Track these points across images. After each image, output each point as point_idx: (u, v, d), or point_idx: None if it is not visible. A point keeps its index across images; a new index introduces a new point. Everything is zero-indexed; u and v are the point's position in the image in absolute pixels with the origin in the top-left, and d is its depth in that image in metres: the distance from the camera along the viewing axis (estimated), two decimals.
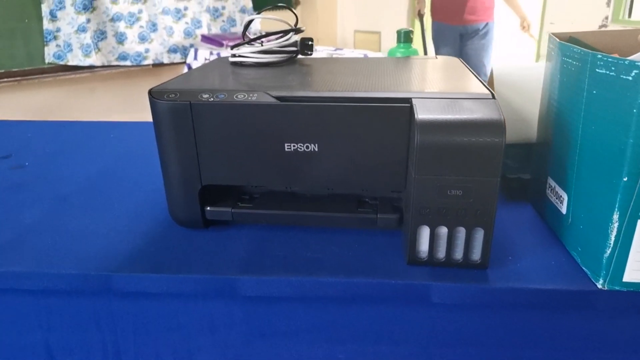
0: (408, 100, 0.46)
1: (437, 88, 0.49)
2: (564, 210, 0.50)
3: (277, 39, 0.64)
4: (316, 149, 0.48)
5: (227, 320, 0.50)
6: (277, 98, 0.48)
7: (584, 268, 0.47)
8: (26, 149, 0.82)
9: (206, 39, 2.68)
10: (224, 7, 2.94)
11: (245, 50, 0.63)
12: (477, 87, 0.49)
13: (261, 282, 0.47)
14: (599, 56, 0.42)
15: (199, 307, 0.50)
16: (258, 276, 0.47)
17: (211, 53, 2.50)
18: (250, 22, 0.65)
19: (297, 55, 0.65)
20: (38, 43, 2.42)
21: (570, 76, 0.47)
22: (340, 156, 0.48)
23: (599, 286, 0.44)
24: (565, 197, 0.49)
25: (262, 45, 0.64)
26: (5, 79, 2.35)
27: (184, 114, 0.48)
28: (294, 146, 0.48)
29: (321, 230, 0.54)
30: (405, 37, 0.75)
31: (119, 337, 0.52)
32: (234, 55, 0.65)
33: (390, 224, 0.52)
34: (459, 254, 0.47)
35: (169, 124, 0.49)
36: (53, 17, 2.42)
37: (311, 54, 0.64)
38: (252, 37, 0.65)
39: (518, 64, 0.63)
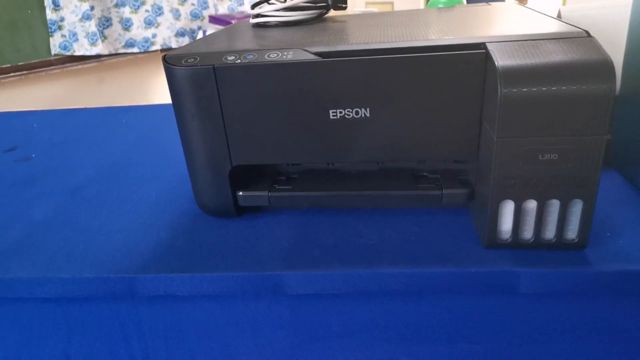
0: (480, 46, 0.38)
1: (512, 31, 0.40)
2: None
3: None
4: (367, 114, 0.40)
5: (271, 322, 0.43)
6: (318, 54, 0.39)
7: None
8: (32, 140, 0.75)
9: (214, 19, 2.59)
10: None
11: (268, 8, 0.54)
12: (562, 26, 0.40)
13: (310, 278, 0.39)
14: None
15: (238, 309, 0.42)
16: (306, 270, 0.39)
17: None
18: None
19: (328, 10, 0.57)
20: (42, 34, 2.35)
21: None
22: (397, 121, 0.40)
23: None
24: None
25: (286, 2, 0.55)
26: (12, 74, 2.29)
27: (206, 80, 0.40)
28: (340, 112, 0.40)
29: (371, 213, 0.46)
30: None
31: (148, 346, 0.45)
32: (256, 16, 0.56)
33: (458, 201, 0.43)
34: (550, 233, 0.39)
35: (189, 94, 0.41)
36: (56, 6, 2.34)
37: (345, 7, 0.56)
38: None
39: (591, 3, 0.53)
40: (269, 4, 0.55)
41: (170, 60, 0.41)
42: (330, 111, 0.40)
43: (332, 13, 0.58)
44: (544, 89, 0.34)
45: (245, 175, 0.46)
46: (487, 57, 0.37)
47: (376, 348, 0.43)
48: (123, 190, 0.55)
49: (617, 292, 0.38)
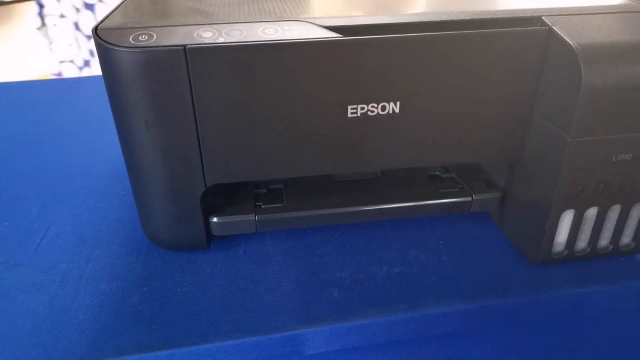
0: (537, 21, 0.30)
1: (559, 2, 0.33)
2: None
3: None
4: (397, 110, 0.30)
5: None
6: (336, 30, 0.28)
7: None
8: None
9: None
10: None
11: None
12: None
13: (338, 331, 0.30)
14: None
15: None
16: (331, 322, 0.30)
17: None
18: None
19: None
20: None
21: None
22: (433, 117, 0.31)
23: None
24: None
25: None
26: None
27: (173, 69, 0.27)
28: (362, 108, 0.30)
29: (378, 225, 0.38)
30: None
31: None
32: None
33: (490, 207, 0.36)
34: (605, 240, 0.33)
35: (144, 90, 0.27)
36: None
37: None
38: None
39: None
40: None
41: (109, 38, 0.27)
42: (349, 107, 0.30)
43: None
44: (627, 75, 0.27)
45: (214, 195, 0.34)
46: (550, 34, 0.29)
47: None
48: (18, 221, 0.39)
49: None
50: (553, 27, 0.29)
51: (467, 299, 0.31)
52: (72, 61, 2.12)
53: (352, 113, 0.30)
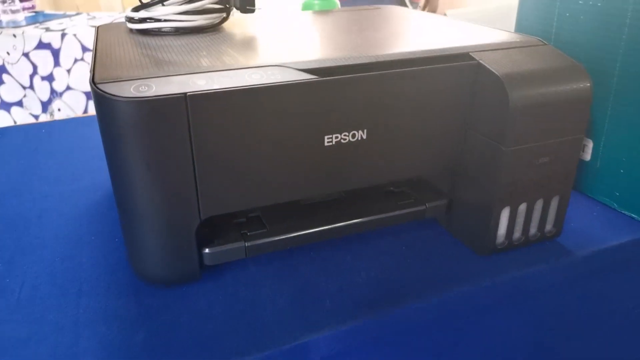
0: (466, 56, 0.37)
1: (478, 40, 0.40)
2: (587, 157, 0.48)
3: None
4: (364, 136, 0.35)
5: None
6: (311, 72, 0.33)
7: (625, 212, 0.46)
8: None
9: None
10: None
11: (165, 11, 0.43)
12: (509, 35, 0.42)
13: (339, 335, 0.33)
14: None
15: None
16: (333, 327, 0.33)
17: None
18: None
19: (228, 14, 0.48)
20: None
21: (595, 13, 0.43)
22: (394, 139, 0.37)
23: None
24: (590, 144, 0.47)
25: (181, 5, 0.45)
26: None
27: (175, 114, 0.30)
28: (336, 137, 0.35)
29: (349, 241, 0.42)
30: None
31: None
32: (141, 20, 0.44)
33: (440, 212, 0.43)
34: (534, 229, 0.41)
35: (147, 136, 0.30)
36: None
37: (254, 10, 0.48)
38: None
39: (470, 8, 0.58)
40: (164, 5, 0.44)
41: (110, 89, 0.29)
42: (326, 137, 0.34)
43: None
44: (542, 95, 0.35)
45: (203, 228, 0.37)
46: (479, 67, 0.36)
47: None
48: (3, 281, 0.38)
49: (594, 269, 0.42)
50: (480, 61, 0.36)
51: (436, 290, 0.36)
52: None
53: (328, 142, 0.34)
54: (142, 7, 0.44)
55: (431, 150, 0.38)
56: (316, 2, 0.64)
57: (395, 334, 0.36)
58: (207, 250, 0.36)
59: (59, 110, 1.84)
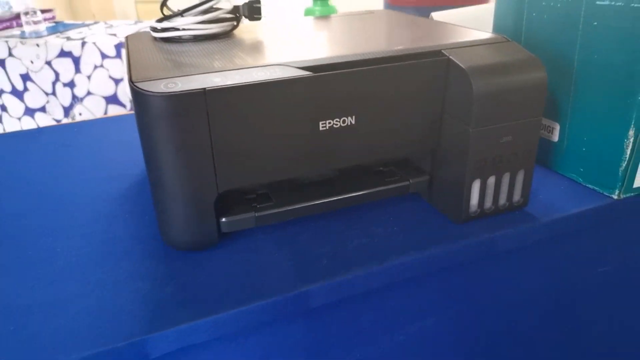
0: (439, 53, 0.43)
1: (451, 39, 0.47)
2: (555, 138, 0.54)
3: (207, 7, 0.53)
4: (353, 122, 0.42)
5: (294, 340, 0.42)
6: (308, 69, 0.40)
7: (589, 185, 0.52)
8: None
9: None
10: None
11: (184, 21, 0.51)
12: (479, 34, 0.49)
13: (333, 286, 0.40)
14: None
15: (265, 339, 0.41)
16: (329, 279, 0.40)
17: None
18: None
19: (238, 23, 0.56)
20: None
21: (556, 13, 0.50)
22: (379, 124, 0.43)
23: (615, 197, 0.50)
24: (556, 126, 0.53)
25: (199, 15, 0.52)
26: None
27: (196, 105, 0.37)
28: (329, 123, 0.42)
29: (343, 213, 0.49)
30: None
31: None
32: (163, 30, 0.52)
33: (422, 187, 0.49)
34: (503, 199, 0.47)
35: (174, 123, 0.37)
36: None
37: (260, 18, 0.55)
38: (172, 8, 0.53)
39: (454, 10, 0.64)
40: (183, 17, 0.51)
41: (146, 87, 0.36)
42: (320, 123, 0.41)
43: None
44: (502, 83, 0.42)
45: (220, 202, 0.44)
46: (449, 62, 0.43)
47: (391, 338, 0.46)
48: (36, 251, 0.46)
49: (558, 234, 0.49)
50: (450, 56, 0.43)
51: (418, 250, 0.43)
52: None
53: (322, 127, 0.41)
54: (165, 18, 0.52)
55: (411, 133, 0.45)
56: (317, 8, 0.71)
57: (379, 290, 0.43)
58: (223, 219, 0.43)
59: (80, 114, 1.93)
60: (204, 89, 0.37)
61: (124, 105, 1.88)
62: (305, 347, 0.43)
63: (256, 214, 0.44)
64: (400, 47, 0.44)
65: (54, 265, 0.43)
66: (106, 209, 0.52)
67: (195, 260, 0.43)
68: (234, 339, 0.40)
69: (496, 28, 0.59)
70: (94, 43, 1.84)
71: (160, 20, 0.52)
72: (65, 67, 1.91)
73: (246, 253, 0.44)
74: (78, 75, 1.90)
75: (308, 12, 0.71)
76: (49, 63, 1.93)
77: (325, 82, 0.40)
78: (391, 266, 0.42)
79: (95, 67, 1.86)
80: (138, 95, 0.36)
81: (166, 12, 0.55)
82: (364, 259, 0.42)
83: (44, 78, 1.97)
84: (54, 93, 1.97)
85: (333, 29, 0.54)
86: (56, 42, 1.90)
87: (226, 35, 0.54)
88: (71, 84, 1.93)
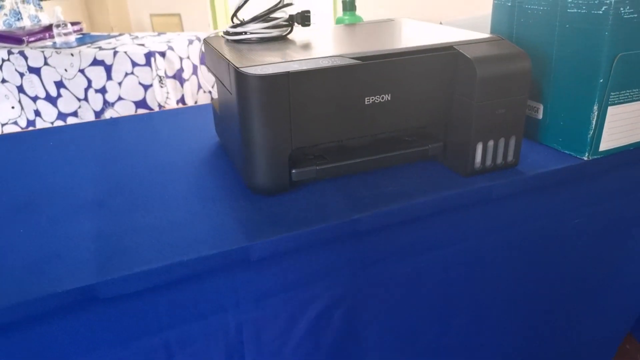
0: (451, 48, 0.59)
1: (459, 37, 0.63)
2: (539, 116, 0.69)
3: (268, 14, 0.69)
4: (389, 98, 0.58)
5: (348, 255, 0.57)
6: (357, 58, 0.55)
7: (565, 151, 0.67)
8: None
9: None
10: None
11: (253, 27, 0.67)
12: (480, 35, 0.65)
13: (380, 215, 0.56)
14: (570, 0, 0.61)
15: (337, 248, 0.56)
16: (376, 209, 0.55)
17: (10, 52, 2.16)
18: (242, 4, 0.69)
19: (292, 28, 0.71)
20: None
21: (539, 17, 0.65)
22: (408, 101, 0.59)
23: (585, 158, 0.65)
24: (540, 106, 0.69)
25: (262, 22, 0.68)
26: None
27: (282, 83, 0.52)
28: (372, 99, 0.57)
29: (374, 173, 0.64)
30: (350, 5, 0.86)
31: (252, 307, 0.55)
32: (236, 33, 0.67)
33: (437, 151, 0.65)
34: (499, 159, 0.63)
35: (266, 96, 0.53)
36: None
37: (309, 25, 0.71)
38: (239, 16, 0.69)
39: (461, 17, 0.80)
40: (254, 23, 0.67)
41: (246, 70, 0.52)
42: (366, 98, 0.57)
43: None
44: (499, 70, 0.57)
45: (292, 158, 0.59)
46: (458, 54, 0.59)
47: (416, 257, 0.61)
48: (167, 197, 0.61)
49: (542, 186, 0.64)
50: (459, 50, 0.58)
51: (437, 192, 0.58)
52: (15, 122, 2.21)
53: (367, 102, 0.57)
54: (239, 25, 0.67)
55: (430, 107, 0.61)
56: (346, 17, 0.87)
57: (406, 222, 0.58)
58: (294, 171, 0.58)
59: (111, 118, 2.09)
60: (288, 72, 0.52)
61: (152, 109, 2.04)
62: (355, 260, 0.58)
63: (317, 168, 0.59)
64: (422, 44, 0.59)
65: (169, 202, 0.58)
66: (196, 170, 0.67)
67: (275, 199, 0.58)
68: (306, 251, 0.55)
69: (493, 31, 0.74)
70: (125, 52, 2.01)
71: (234, 26, 0.68)
72: (97, 74, 2.07)
73: (310, 195, 0.59)
74: (109, 82, 2.07)
75: (339, 21, 0.87)
76: (82, 71, 2.09)
77: (370, 68, 0.56)
78: (417, 203, 0.57)
79: (126, 74, 2.03)
80: (242, 76, 0.52)
81: (235, 21, 0.70)
82: (396, 199, 0.58)
83: (77, 85, 2.13)
84: (86, 99, 2.13)
85: (365, 32, 0.70)
86: (89, 52, 2.06)
87: (282, 38, 0.70)
88: (103, 90, 2.09)
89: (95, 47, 2.12)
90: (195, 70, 2.26)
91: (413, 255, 0.61)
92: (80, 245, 0.51)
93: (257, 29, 0.67)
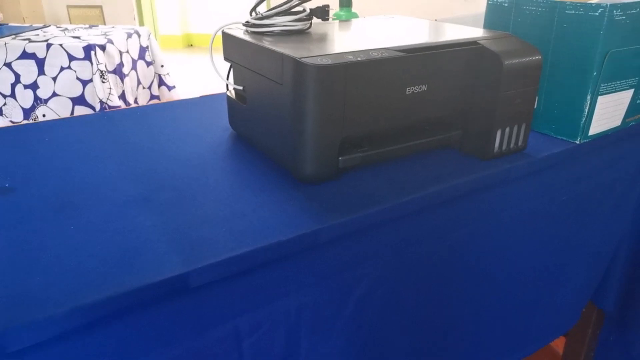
0: (475, 43, 0.65)
1: (478, 34, 0.69)
2: (535, 106, 0.78)
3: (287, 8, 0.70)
4: (425, 89, 0.62)
5: (394, 235, 0.61)
6: (402, 51, 0.59)
7: (558, 137, 0.76)
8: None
9: None
10: None
11: (280, 20, 0.68)
12: (490, 31, 0.71)
13: (417, 199, 0.60)
14: (568, 3, 0.69)
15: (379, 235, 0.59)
16: (415, 194, 0.60)
17: None
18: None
19: (312, 23, 0.73)
20: None
21: (536, 17, 0.73)
22: (442, 91, 0.64)
23: (577, 142, 0.74)
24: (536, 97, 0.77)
25: (283, 14, 0.69)
26: None
27: (340, 74, 0.55)
28: (412, 89, 0.61)
29: (411, 158, 0.69)
30: (346, 1, 0.90)
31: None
32: (260, 25, 0.68)
33: (457, 138, 0.70)
34: (513, 144, 0.70)
35: (325, 86, 0.55)
36: None
37: (328, 19, 0.74)
38: (262, 9, 0.70)
39: (454, 15, 0.86)
40: (280, 16, 0.68)
41: (307, 61, 0.54)
42: (407, 88, 0.61)
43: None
44: (518, 63, 0.64)
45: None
46: (484, 48, 0.64)
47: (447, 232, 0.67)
48: (213, 190, 0.61)
49: (551, 165, 0.72)
50: (484, 45, 0.64)
51: (461, 177, 0.64)
52: None
53: (408, 91, 0.61)
54: (263, 17, 0.68)
55: (457, 96, 0.66)
56: (342, 13, 0.90)
57: (437, 205, 0.63)
58: (340, 158, 0.61)
59: (44, 116, 1.95)
60: (346, 62, 0.55)
61: (92, 107, 1.93)
62: (397, 240, 0.62)
63: (361, 155, 0.62)
64: (451, 39, 0.65)
65: (219, 195, 0.58)
66: (225, 163, 0.67)
67: (324, 187, 0.60)
68: (361, 233, 0.58)
69: (487, 28, 0.81)
70: (61, 45, 1.88)
71: (259, 19, 0.69)
72: (27, 68, 1.92)
73: (354, 182, 0.62)
74: (42, 77, 1.92)
75: (336, 16, 0.90)
76: (8, 64, 1.93)
77: (413, 60, 0.60)
78: (454, 185, 0.63)
79: (62, 68, 1.90)
80: (302, 66, 0.54)
81: (254, 14, 0.71)
82: (428, 183, 0.62)
83: (2, 80, 1.96)
84: (12, 95, 1.97)
85: (381, 27, 0.74)
86: (17, 44, 1.91)
87: (302, 32, 0.71)
88: (34, 86, 1.94)
89: (24, 39, 1.96)
90: (134, 65, 2.16)
91: (447, 232, 0.66)
92: (151, 239, 0.50)
93: (283, 22, 0.68)
